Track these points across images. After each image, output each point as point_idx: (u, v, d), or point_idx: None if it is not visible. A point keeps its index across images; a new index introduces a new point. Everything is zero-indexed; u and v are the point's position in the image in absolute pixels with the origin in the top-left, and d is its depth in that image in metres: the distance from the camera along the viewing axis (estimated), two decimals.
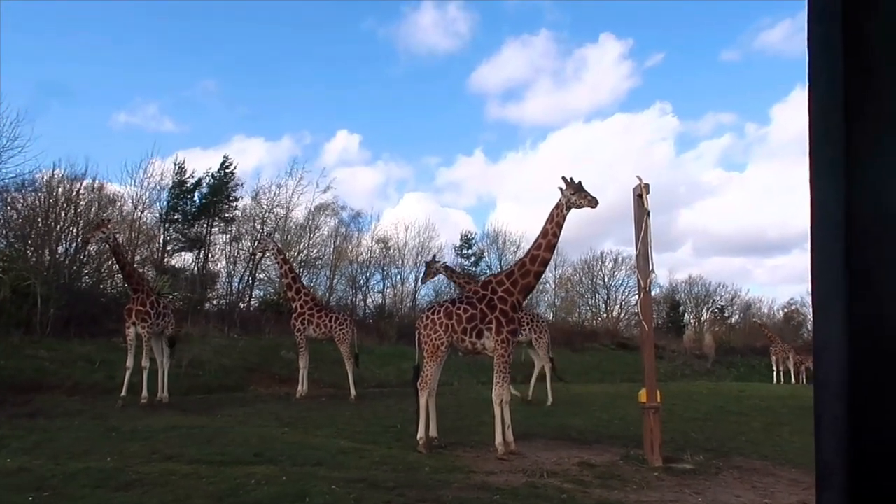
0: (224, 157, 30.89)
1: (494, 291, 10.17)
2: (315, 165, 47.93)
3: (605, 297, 37.17)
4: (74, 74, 38.58)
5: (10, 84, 33.59)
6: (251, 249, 27.29)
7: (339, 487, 7.02)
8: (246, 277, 28.84)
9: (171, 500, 6.30)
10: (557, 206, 10.02)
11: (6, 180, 21.66)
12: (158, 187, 26.81)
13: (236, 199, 29.82)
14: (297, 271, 19.24)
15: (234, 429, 10.53)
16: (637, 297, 11.41)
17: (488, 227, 47.62)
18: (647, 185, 11.47)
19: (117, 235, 15.05)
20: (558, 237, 10.17)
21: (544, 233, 10.16)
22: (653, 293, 10.65)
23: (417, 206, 49.26)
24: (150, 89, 42.90)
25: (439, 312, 10.24)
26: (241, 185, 29.87)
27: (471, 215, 55.89)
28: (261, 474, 7.42)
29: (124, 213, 24.95)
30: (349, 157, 49.68)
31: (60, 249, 21.61)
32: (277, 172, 54.03)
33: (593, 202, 9.93)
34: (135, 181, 26.41)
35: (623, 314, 35.86)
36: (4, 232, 21.87)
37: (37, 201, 22.38)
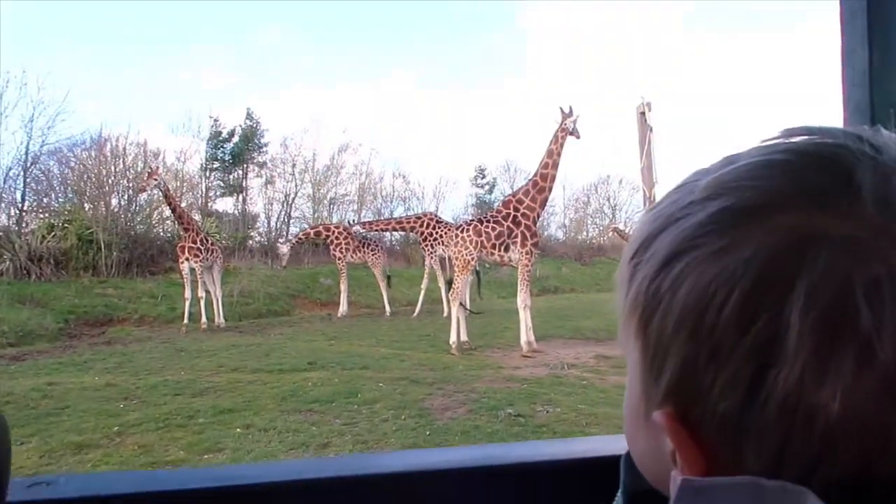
0: (247, 108, 30.61)
1: (517, 209, 10.34)
2: (367, 106, 44.34)
3: (611, 216, 36.98)
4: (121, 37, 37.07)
5: (58, 47, 33.16)
6: (286, 191, 27.87)
7: (385, 385, 7.31)
8: (282, 216, 29.15)
9: (242, 402, 6.61)
10: (562, 130, 10.36)
11: (59, 142, 21.81)
12: (198, 139, 26.82)
13: (265, 146, 29.85)
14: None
15: (287, 344, 10.88)
16: (643, 208, 11.44)
17: (502, 158, 47.08)
18: (648, 104, 11.38)
19: (166, 181, 15.25)
20: (561, 156, 10.52)
21: (549, 153, 10.52)
22: None
23: (441, 141, 48.16)
24: (209, 38, 40.57)
25: (468, 231, 10.43)
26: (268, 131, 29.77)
27: (485, 146, 54.60)
28: (316, 378, 7.73)
29: (168, 165, 25.02)
30: (405, 97, 46.42)
31: (114, 201, 21.82)
32: (328, 117, 51.29)
33: (576, 134, 10.54)
34: (177, 134, 26.70)
35: (628, 230, 35.74)
36: (63, 188, 22.15)
37: (88, 159, 22.54)
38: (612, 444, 0.93)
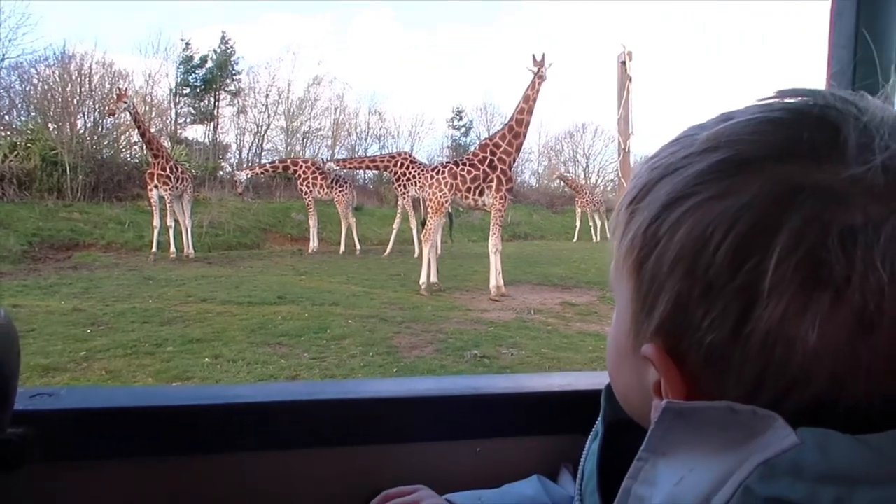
0: (222, 32, 29.56)
1: (494, 153, 10.33)
2: (345, 39, 42.95)
3: (585, 165, 37.03)
4: None
5: None
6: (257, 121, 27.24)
7: (354, 322, 7.41)
8: (254, 147, 28.58)
9: (211, 332, 6.65)
10: (539, 77, 10.45)
11: (21, 56, 20.88)
12: (167, 62, 25.93)
13: (238, 74, 28.98)
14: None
15: (257, 277, 10.87)
16: (617, 158, 11.51)
17: (480, 100, 46.58)
18: (630, 53, 11.30)
19: (136, 103, 14.76)
20: (536, 101, 10.55)
21: (526, 98, 10.57)
22: (631, 161, 10.81)
23: (418, 80, 47.23)
24: None
25: (444, 173, 10.40)
26: (243, 59, 28.82)
27: (464, 87, 53.56)
28: (286, 312, 7.78)
29: (136, 88, 24.15)
30: (381, 32, 44.92)
31: (80, 123, 21.08)
32: (304, 48, 49.35)
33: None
34: (146, 55, 25.84)
35: (600, 180, 35.89)
36: (25, 106, 21.31)
37: (52, 77, 21.65)
38: (589, 379, 0.99)
